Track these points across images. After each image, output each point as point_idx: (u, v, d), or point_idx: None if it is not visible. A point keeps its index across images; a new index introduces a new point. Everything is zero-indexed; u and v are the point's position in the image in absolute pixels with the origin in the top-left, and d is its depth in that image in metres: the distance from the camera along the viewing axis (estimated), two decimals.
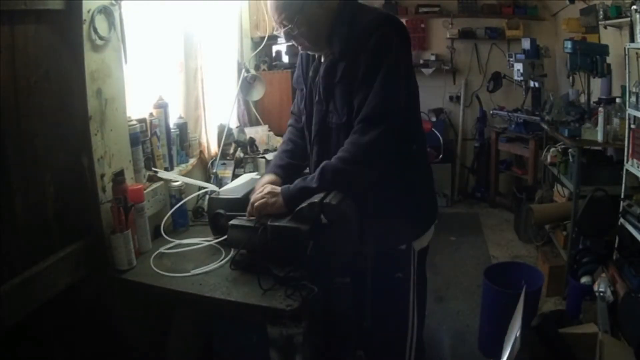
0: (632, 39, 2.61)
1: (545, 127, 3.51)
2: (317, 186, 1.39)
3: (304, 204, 1.40)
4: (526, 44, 4.03)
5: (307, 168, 1.67)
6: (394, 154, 1.39)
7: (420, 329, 1.65)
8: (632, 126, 2.48)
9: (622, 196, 2.56)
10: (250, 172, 2.19)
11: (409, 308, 1.56)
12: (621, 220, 2.52)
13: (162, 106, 1.90)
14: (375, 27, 1.35)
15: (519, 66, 3.98)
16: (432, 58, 4.86)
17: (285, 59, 3.19)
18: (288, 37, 1.47)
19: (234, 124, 2.64)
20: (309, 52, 1.57)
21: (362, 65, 1.36)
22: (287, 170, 1.64)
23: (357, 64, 1.37)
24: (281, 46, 3.22)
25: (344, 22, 1.41)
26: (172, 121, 2.01)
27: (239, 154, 2.33)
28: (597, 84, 3.45)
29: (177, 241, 1.69)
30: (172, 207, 1.83)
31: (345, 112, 1.42)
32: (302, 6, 1.40)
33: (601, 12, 3.23)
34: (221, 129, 2.41)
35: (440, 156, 4.48)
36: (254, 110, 2.83)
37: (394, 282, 1.53)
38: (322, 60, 1.51)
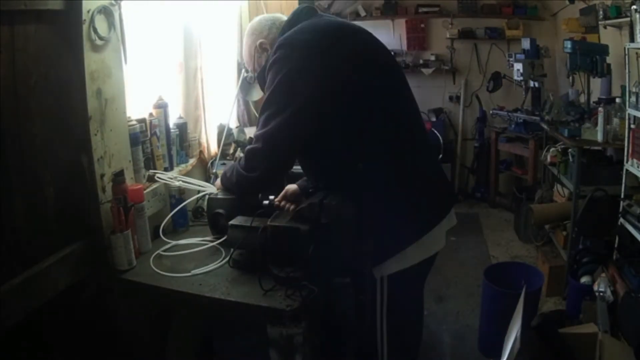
0: (632, 39, 2.61)
1: (545, 127, 3.51)
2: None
3: (304, 204, 1.40)
4: (526, 44, 4.03)
5: None
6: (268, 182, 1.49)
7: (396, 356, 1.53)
8: (632, 126, 2.48)
9: (622, 196, 2.56)
10: None
11: (376, 334, 1.49)
12: (621, 220, 2.52)
13: (161, 106, 1.90)
14: (270, 61, 1.40)
15: (518, 66, 3.98)
16: (432, 58, 4.87)
17: None
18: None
19: (233, 124, 2.64)
20: None
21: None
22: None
23: None
24: None
25: (269, 56, 1.48)
26: (172, 121, 2.01)
27: (239, 154, 2.33)
28: (597, 84, 3.45)
29: (177, 242, 1.69)
30: (172, 207, 1.83)
31: None
32: (250, 53, 1.60)
33: (601, 12, 3.23)
34: (221, 129, 2.41)
35: (440, 156, 4.48)
36: (253, 110, 2.82)
37: (358, 303, 1.51)
38: None
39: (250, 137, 2.44)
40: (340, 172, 1.43)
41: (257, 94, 2.67)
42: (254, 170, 1.45)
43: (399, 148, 1.43)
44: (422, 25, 4.83)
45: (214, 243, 1.65)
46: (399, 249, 1.42)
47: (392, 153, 1.41)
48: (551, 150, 3.38)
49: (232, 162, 2.29)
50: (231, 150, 2.37)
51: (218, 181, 1.74)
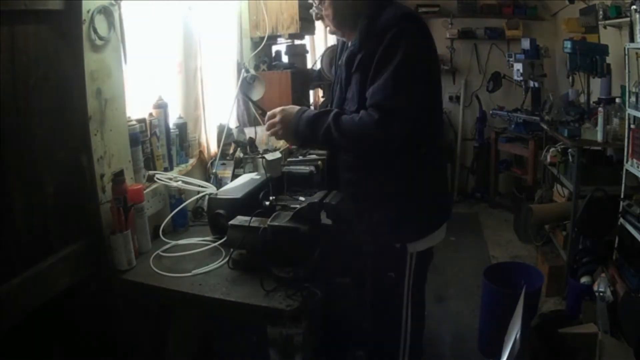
0: (631, 39, 2.61)
1: (545, 127, 3.51)
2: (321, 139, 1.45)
3: (303, 204, 1.40)
4: (526, 44, 4.04)
5: None
6: (391, 145, 1.40)
7: (417, 333, 1.63)
8: (632, 126, 2.49)
9: (622, 196, 2.56)
10: (250, 172, 2.19)
11: (402, 309, 1.56)
12: (621, 220, 2.52)
13: (161, 106, 1.90)
14: (394, 23, 1.39)
15: (518, 66, 3.98)
16: None
17: (285, 59, 3.19)
18: (317, 15, 1.58)
19: (233, 124, 2.64)
20: (335, 35, 1.63)
21: (377, 58, 1.39)
22: None
23: (372, 57, 1.40)
24: (281, 46, 3.22)
25: (367, 15, 1.46)
26: (172, 121, 2.01)
27: (239, 154, 2.33)
28: (596, 84, 3.45)
29: (177, 242, 1.69)
30: (171, 207, 1.83)
31: (356, 101, 1.47)
32: None
33: (601, 12, 3.24)
34: (221, 129, 2.41)
35: None
36: (253, 110, 2.82)
37: (386, 281, 1.54)
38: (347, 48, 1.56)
39: (251, 139, 2.45)
40: (402, 153, 1.47)
41: (257, 94, 2.67)
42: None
43: (440, 141, 1.64)
44: None
45: (215, 244, 1.65)
46: (434, 228, 1.57)
47: (438, 144, 1.59)
48: (551, 150, 3.38)
49: (232, 161, 2.29)
50: (231, 150, 2.37)
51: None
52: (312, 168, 2.18)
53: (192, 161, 2.13)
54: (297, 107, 1.52)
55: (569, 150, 3.04)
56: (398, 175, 1.47)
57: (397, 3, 1.49)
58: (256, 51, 2.83)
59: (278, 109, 1.55)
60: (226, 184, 2.11)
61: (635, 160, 2.44)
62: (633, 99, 2.45)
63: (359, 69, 1.45)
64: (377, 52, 1.39)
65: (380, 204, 1.47)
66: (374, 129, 1.35)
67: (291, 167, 2.25)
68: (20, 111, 1.25)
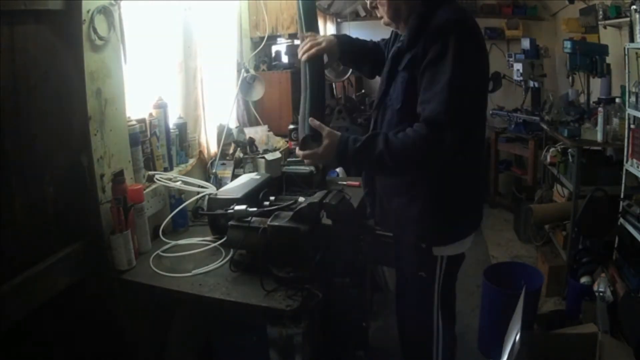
0: (631, 39, 2.61)
1: (545, 127, 3.51)
2: (389, 162, 1.35)
3: (303, 204, 1.40)
4: (526, 44, 4.04)
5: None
6: (448, 157, 1.35)
7: (448, 331, 1.64)
8: (632, 126, 2.49)
9: (622, 196, 2.56)
10: (249, 172, 2.19)
11: (432, 310, 1.56)
12: (621, 220, 2.52)
13: (161, 106, 1.90)
14: (450, 29, 1.33)
15: (518, 66, 3.98)
16: None
17: (285, 59, 3.19)
18: (371, 4, 1.55)
19: (233, 124, 2.64)
20: (387, 25, 1.58)
21: (429, 59, 1.34)
22: (352, 43, 1.69)
23: (422, 59, 1.36)
24: (281, 46, 3.22)
25: (420, 13, 1.42)
26: (172, 121, 2.01)
27: (239, 154, 2.33)
28: (596, 84, 3.45)
29: (177, 242, 1.69)
30: (171, 207, 1.83)
31: (400, 100, 1.45)
32: None
33: (601, 12, 3.24)
34: (221, 129, 2.41)
35: None
36: (253, 110, 2.83)
37: (417, 280, 1.54)
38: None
39: (251, 139, 2.45)
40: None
41: (257, 94, 2.67)
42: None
43: (481, 146, 1.57)
44: None
45: (215, 244, 1.65)
46: (466, 234, 1.55)
47: (475, 153, 1.51)
48: (551, 150, 3.38)
49: (232, 161, 2.29)
50: (231, 150, 2.37)
51: None
52: (312, 168, 2.18)
53: (192, 161, 2.13)
54: (338, 133, 1.43)
55: (569, 150, 3.04)
56: (432, 177, 1.44)
57: (453, 3, 1.42)
58: (256, 51, 2.83)
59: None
60: (226, 184, 2.11)
61: (635, 160, 2.44)
62: (633, 99, 2.45)
63: (407, 68, 1.42)
64: (427, 53, 1.34)
65: (410, 203, 1.46)
66: (426, 148, 1.31)
67: (291, 167, 2.26)
68: (20, 111, 1.25)
